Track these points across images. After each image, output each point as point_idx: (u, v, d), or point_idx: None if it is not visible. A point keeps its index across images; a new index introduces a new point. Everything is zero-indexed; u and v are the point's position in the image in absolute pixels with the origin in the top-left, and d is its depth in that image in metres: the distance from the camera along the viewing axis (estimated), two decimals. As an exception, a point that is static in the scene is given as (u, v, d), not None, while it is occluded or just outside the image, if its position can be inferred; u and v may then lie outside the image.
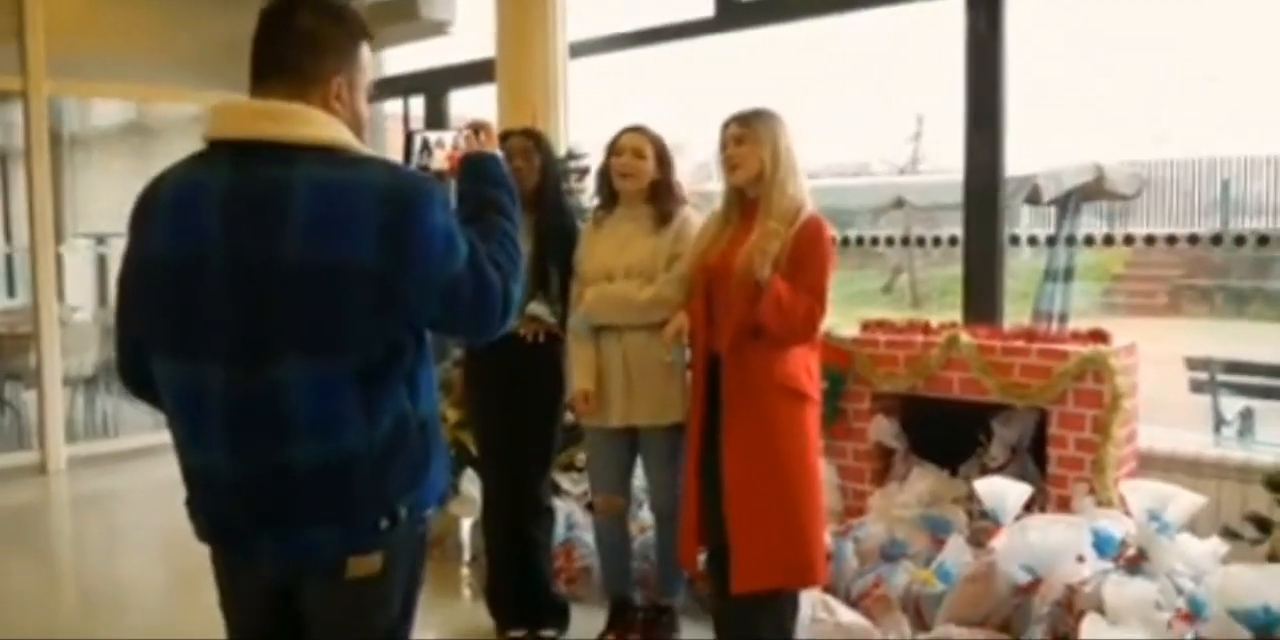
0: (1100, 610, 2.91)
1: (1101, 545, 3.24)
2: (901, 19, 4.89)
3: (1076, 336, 3.83)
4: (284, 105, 1.77)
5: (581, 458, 4.35)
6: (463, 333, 2.01)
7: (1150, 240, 4.18)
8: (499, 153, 2.13)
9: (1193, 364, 5.98)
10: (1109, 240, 4.51)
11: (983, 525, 3.65)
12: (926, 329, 4.14)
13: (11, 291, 10.60)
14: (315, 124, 1.76)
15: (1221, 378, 5.78)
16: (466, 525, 4.66)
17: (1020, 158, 4.66)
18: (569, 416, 3.80)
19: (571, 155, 5.04)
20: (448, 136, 2.20)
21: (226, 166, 1.75)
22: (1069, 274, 6.15)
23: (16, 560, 5.17)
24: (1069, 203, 5.96)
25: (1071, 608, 3.00)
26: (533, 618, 3.73)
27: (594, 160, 4.69)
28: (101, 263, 10.10)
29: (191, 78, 7.30)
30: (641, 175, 3.46)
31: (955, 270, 4.52)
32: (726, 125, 3.11)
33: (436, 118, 6.89)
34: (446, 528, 4.55)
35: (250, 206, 1.71)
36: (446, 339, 3.96)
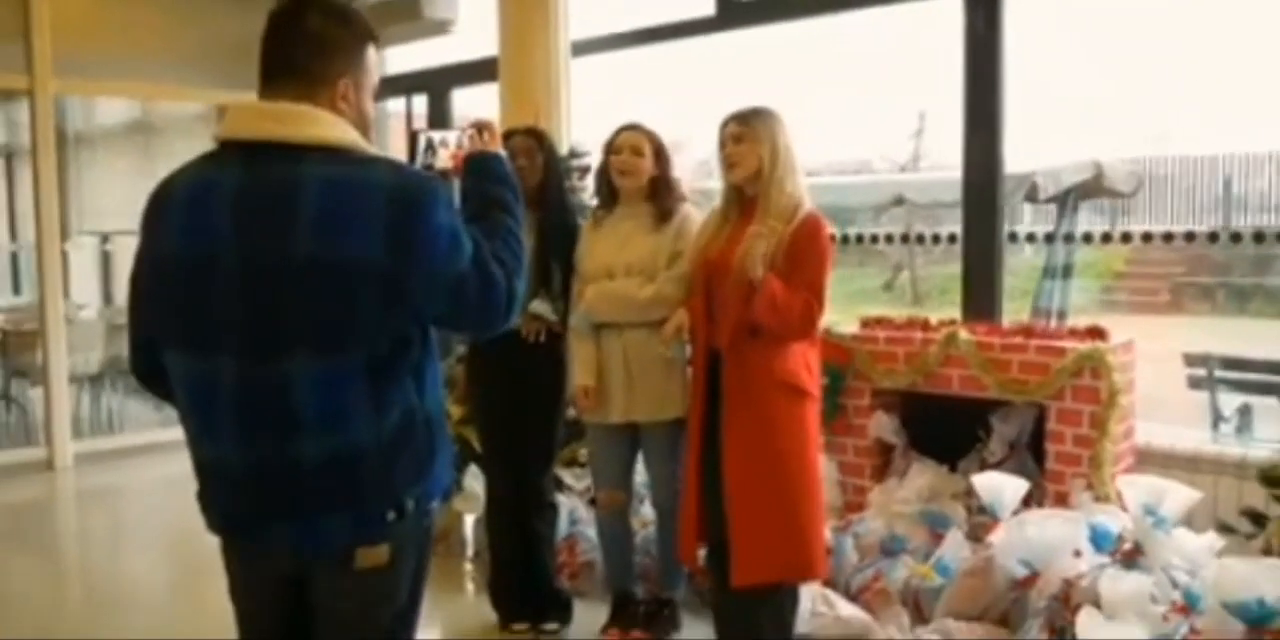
0: (1096, 604, 2.94)
1: (1099, 540, 3.27)
2: (902, 16, 4.92)
3: (1074, 333, 3.86)
4: (292, 107, 1.80)
5: (584, 453, 4.38)
6: (468, 328, 2.04)
7: (1147, 238, 4.22)
8: (502, 152, 2.16)
9: (1190, 360, 5.99)
10: (1107, 238, 4.54)
11: (981, 520, 3.68)
12: (926, 326, 4.17)
13: (17, 289, 10.66)
14: (323, 125, 1.80)
15: (1219, 374, 5.79)
16: (469, 521, 4.70)
17: (1021, 156, 4.69)
18: (571, 412, 3.84)
19: (574, 154, 5.07)
20: (452, 136, 2.23)
21: (237, 166, 1.79)
22: (1068, 271, 6.17)
23: (27, 556, 5.22)
24: (1068, 200, 5.98)
25: (1068, 601, 3.03)
26: (536, 612, 3.77)
27: (596, 159, 4.74)
28: (106, 260, 10.16)
29: (196, 76, 7.34)
30: (640, 173, 3.49)
31: (956, 268, 4.55)
32: (725, 124, 3.14)
33: (439, 116, 6.93)
34: (450, 524, 4.59)
35: (260, 205, 1.75)
36: (450, 336, 3.99)
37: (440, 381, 1.97)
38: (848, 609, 3.50)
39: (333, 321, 1.74)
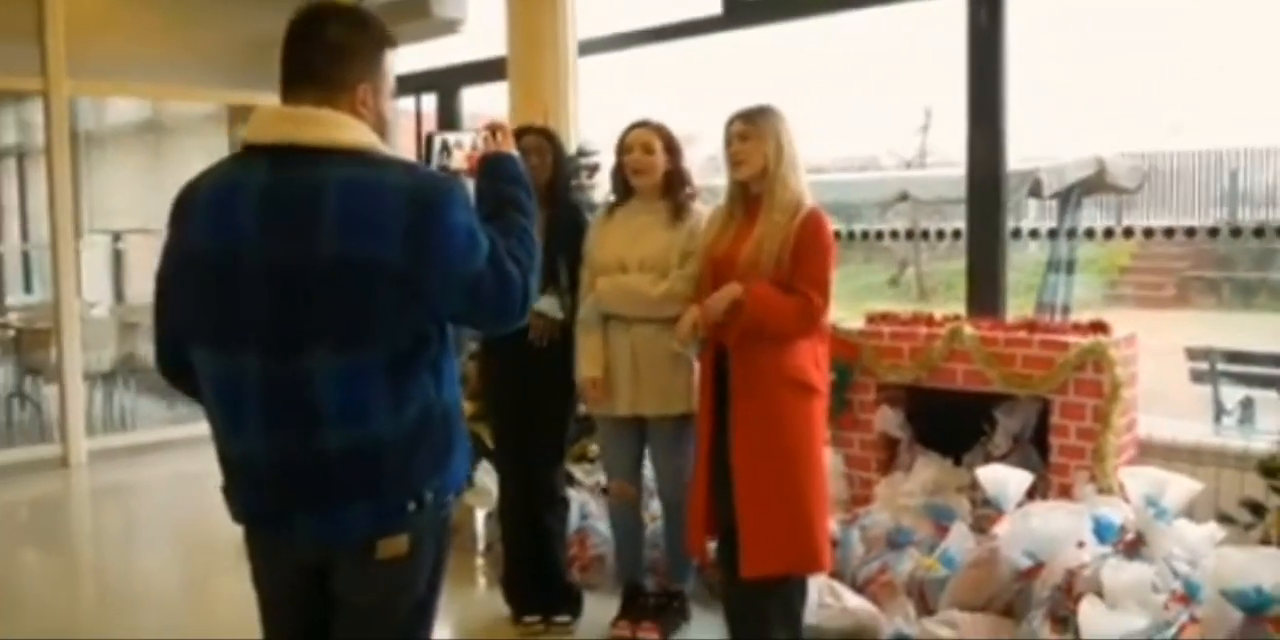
0: (1099, 593, 2.99)
1: (1102, 532, 3.31)
2: (908, 14, 4.95)
3: (1077, 328, 3.92)
4: (314, 111, 1.86)
5: (594, 449, 4.45)
6: (484, 325, 2.10)
7: (1149, 233, 4.27)
8: (516, 152, 2.22)
9: (1193, 354, 6.03)
10: (1109, 233, 4.58)
11: (985, 513, 3.73)
12: (930, 321, 4.21)
13: (29, 288, 10.73)
14: (344, 129, 1.86)
15: (1222, 367, 5.83)
16: (481, 516, 4.76)
17: (1026, 151, 4.72)
18: (581, 409, 3.90)
19: (582, 152, 5.12)
20: (466, 137, 2.29)
21: (262, 168, 1.84)
22: (1071, 266, 6.21)
23: (46, 552, 5.29)
24: (1071, 196, 6.02)
25: (1071, 591, 3.07)
26: (547, 605, 3.82)
27: (604, 157, 4.78)
28: (117, 259, 10.21)
29: (207, 77, 7.42)
30: (654, 170, 3.54)
31: (961, 264, 4.59)
32: (731, 122, 3.19)
33: (448, 115, 6.98)
34: (462, 518, 4.64)
35: (284, 206, 1.81)
36: (462, 334, 4.05)
37: (457, 377, 2.02)
38: (854, 600, 3.55)
39: (354, 319, 1.80)
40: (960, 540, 3.59)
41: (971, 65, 4.35)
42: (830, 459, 3.94)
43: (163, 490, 6.48)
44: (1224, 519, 3.25)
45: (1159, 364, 4.61)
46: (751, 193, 3.18)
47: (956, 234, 4.75)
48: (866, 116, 14.61)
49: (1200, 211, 11.93)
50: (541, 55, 5.67)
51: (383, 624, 1.98)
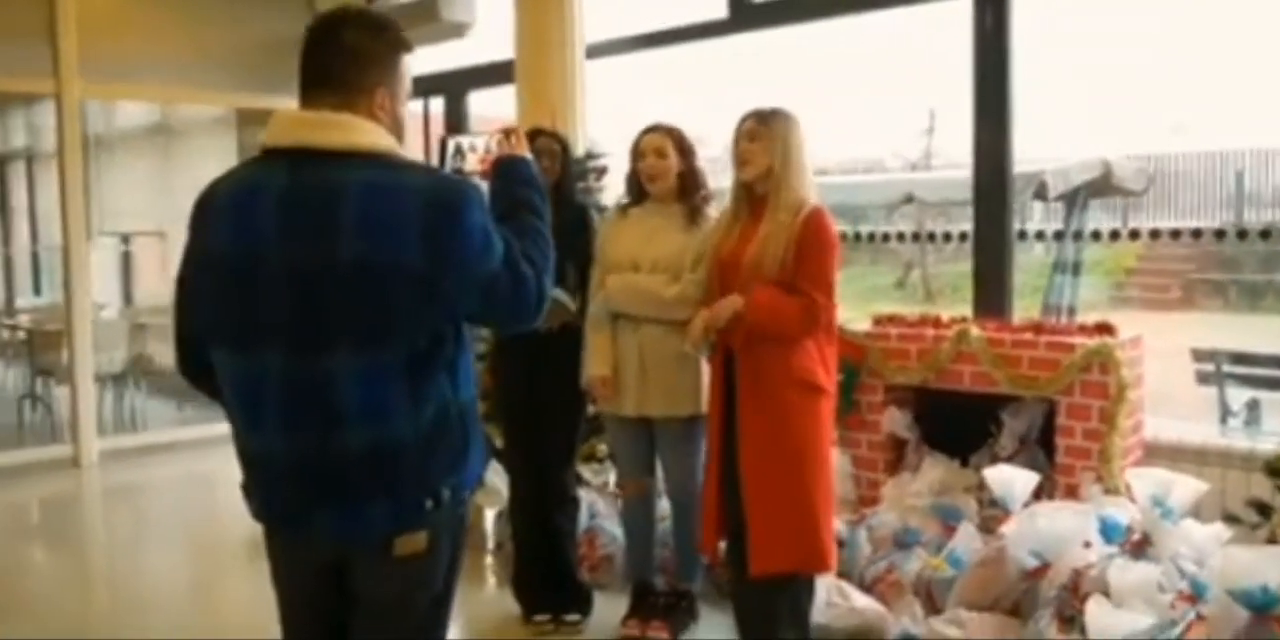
0: (1105, 593, 3.01)
1: (1109, 532, 3.34)
2: (911, 16, 4.97)
3: (1084, 329, 3.94)
4: (333, 115, 1.89)
5: (602, 449, 4.48)
6: (499, 324, 2.13)
7: (1155, 235, 4.27)
8: (529, 155, 2.25)
9: (1199, 356, 6.04)
10: (1115, 235, 4.61)
11: (992, 513, 3.75)
12: (937, 323, 4.23)
13: (38, 289, 10.78)
14: (362, 132, 1.89)
15: (1228, 369, 5.84)
16: (491, 515, 4.79)
17: (1031, 153, 4.74)
18: (590, 409, 3.92)
19: (590, 155, 5.15)
20: (479, 141, 2.32)
21: (281, 171, 1.87)
22: (1077, 268, 6.23)
23: (59, 551, 5.34)
24: (1077, 198, 6.04)
25: (1078, 591, 3.09)
26: (558, 603, 3.85)
27: (612, 160, 4.82)
28: (126, 261, 10.26)
29: (218, 80, 7.47)
30: (668, 174, 3.57)
31: (967, 265, 4.61)
32: (744, 120, 3.20)
33: (456, 118, 7.01)
34: (472, 518, 4.68)
35: (304, 209, 1.84)
36: (472, 333, 4.08)
37: (473, 377, 2.05)
38: (862, 600, 3.58)
39: (373, 320, 1.83)
40: (967, 540, 3.61)
41: (977, 67, 4.37)
42: (838, 459, 3.97)
43: (173, 491, 6.54)
44: (1230, 519, 3.27)
45: (1165, 366, 4.63)
46: (756, 193, 3.20)
47: (963, 236, 4.77)
48: (871, 119, 14.61)
49: (1206, 213, 11.92)
50: (549, 58, 5.70)
51: (401, 620, 2.01)
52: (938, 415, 4.23)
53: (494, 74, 6.56)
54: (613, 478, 4.46)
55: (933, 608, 3.53)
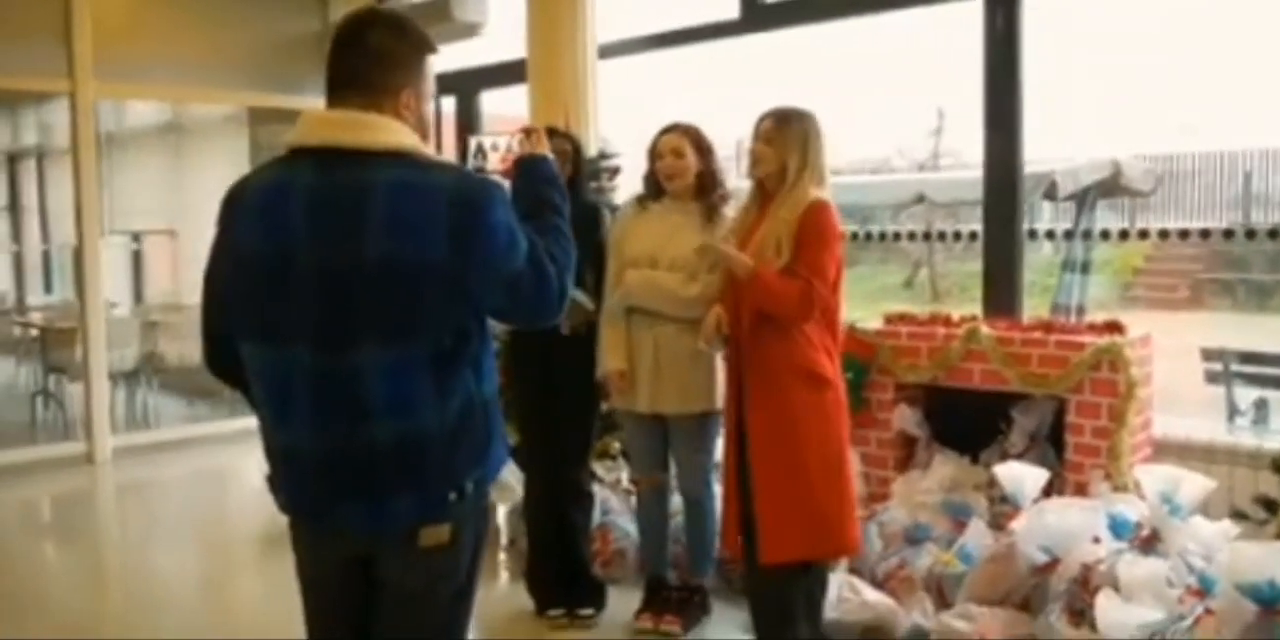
0: (1115, 587, 3.05)
1: (1118, 529, 3.37)
2: (919, 16, 5.00)
3: (1093, 328, 3.97)
4: (361, 115, 1.93)
5: (615, 446, 4.52)
6: (522, 320, 2.16)
7: (1164, 235, 4.31)
8: (550, 154, 2.29)
9: (1208, 355, 6.06)
10: (1124, 234, 4.63)
11: (1002, 509, 3.78)
12: (948, 321, 4.26)
13: (49, 287, 10.84)
14: (389, 132, 1.93)
15: (1236, 368, 5.87)
16: (503, 511, 4.83)
17: (1040, 153, 4.76)
18: (603, 406, 3.96)
19: (603, 155, 5.18)
20: (501, 140, 2.37)
21: (309, 170, 1.92)
22: (1086, 267, 6.26)
23: (76, 547, 5.38)
24: (1086, 198, 6.06)
25: (1087, 585, 3.13)
26: (572, 598, 3.90)
27: (625, 159, 4.86)
28: (137, 259, 10.31)
29: (231, 79, 7.52)
30: (686, 173, 3.60)
31: (975, 265, 4.64)
32: (761, 120, 3.24)
33: (468, 118, 7.05)
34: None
35: (332, 207, 1.88)
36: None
37: (495, 370, 2.09)
38: (873, 594, 3.61)
39: (401, 316, 1.87)
40: (977, 536, 3.65)
41: (988, 68, 4.40)
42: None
43: (185, 487, 6.60)
44: (1238, 515, 3.30)
45: (1173, 365, 4.65)
46: (768, 189, 3.24)
47: (972, 235, 4.80)
48: (879, 119, 14.63)
49: (1214, 213, 11.93)
50: (561, 58, 5.73)
51: (425, 610, 2.05)
52: (948, 413, 4.26)
53: (506, 73, 6.59)
54: (625, 474, 4.50)
55: (943, 602, 3.56)
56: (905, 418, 4.26)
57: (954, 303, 11.55)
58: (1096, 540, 3.30)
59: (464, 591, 2.09)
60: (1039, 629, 3.23)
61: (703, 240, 3.37)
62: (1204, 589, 2.96)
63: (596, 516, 4.22)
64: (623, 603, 3.94)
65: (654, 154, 3.64)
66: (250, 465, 6.66)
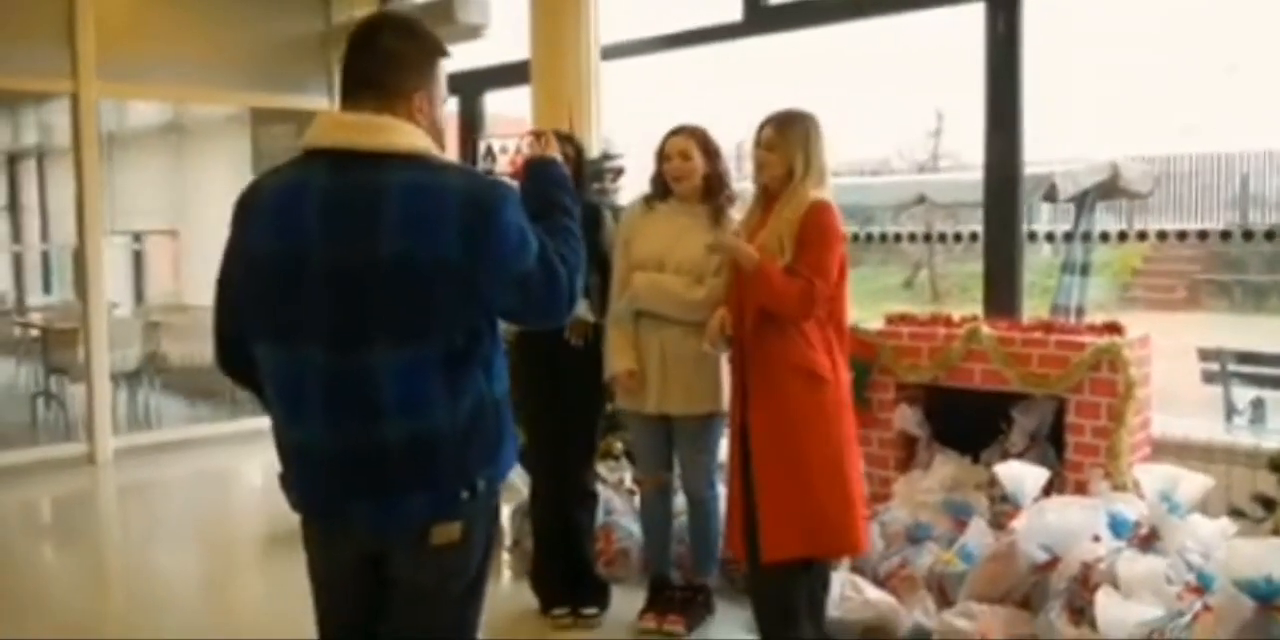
0: (1114, 585, 3.08)
1: (1117, 527, 3.40)
2: (919, 18, 5.03)
3: (1092, 328, 4.01)
4: (375, 118, 1.96)
5: (618, 446, 4.55)
6: (532, 320, 2.20)
7: (1162, 236, 4.34)
8: (559, 157, 2.33)
9: (1205, 355, 6.10)
10: (1123, 236, 4.66)
11: (1003, 508, 3.81)
12: (948, 322, 4.30)
13: (48, 288, 10.84)
14: (402, 134, 1.96)
15: (1233, 368, 5.91)
16: (507, 512, 4.85)
17: (1038, 155, 4.78)
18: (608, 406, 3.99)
19: (607, 156, 5.20)
20: (511, 143, 2.40)
21: (322, 171, 1.94)
22: (1085, 269, 6.29)
23: (81, 548, 5.40)
24: (1085, 200, 6.10)
25: (1087, 583, 3.16)
26: (576, 597, 3.92)
27: (628, 161, 4.88)
28: (138, 259, 10.32)
29: (233, 80, 7.54)
30: (693, 175, 3.63)
31: (974, 266, 4.67)
32: (762, 126, 3.27)
33: (471, 119, 7.07)
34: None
35: (346, 209, 1.91)
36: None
37: (506, 370, 2.11)
38: (875, 593, 3.64)
39: (413, 316, 1.90)
40: (978, 535, 3.67)
41: (989, 70, 4.43)
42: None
43: (187, 488, 6.62)
44: (1236, 513, 3.34)
45: (1171, 365, 4.68)
46: (772, 192, 3.27)
47: (973, 236, 4.83)
48: (878, 120, 14.64)
49: (1212, 215, 11.97)
50: (564, 59, 5.73)
51: (437, 607, 2.07)
52: (949, 413, 4.30)
53: (509, 74, 6.61)
54: (628, 475, 4.53)
55: (945, 601, 3.59)
56: (906, 418, 4.29)
57: (953, 303, 11.59)
58: (1096, 539, 3.33)
59: (475, 589, 2.11)
60: (1040, 627, 3.26)
61: (713, 237, 3.38)
62: (1202, 586, 2.99)
63: (600, 517, 4.25)
64: (627, 602, 3.96)
65: (661, 156, 3.67)
66: (252, 466, 6.70)
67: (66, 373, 7.80)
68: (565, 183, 2.26)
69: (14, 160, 11.78)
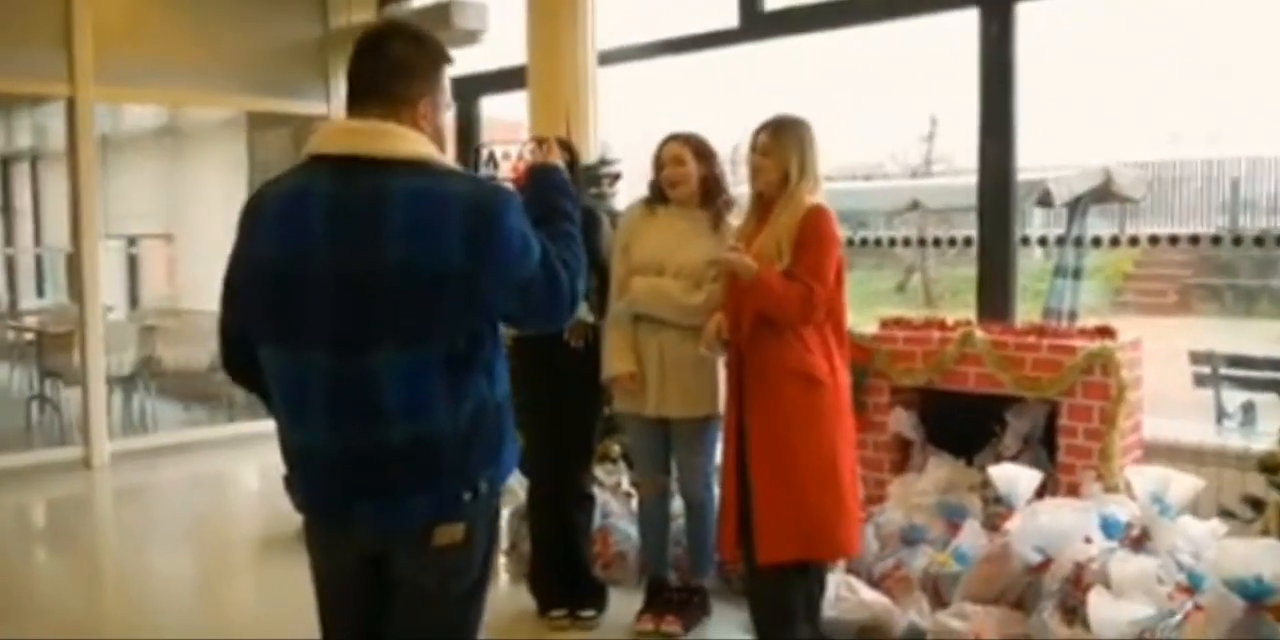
0: (1106, 585, 3.11)
1: (1109, 528, 3.44)
2: (916, 25, 5.07)
3: (1084, 332, 4.05)
4: (380, 124, 1.99)
5: (615, 449, 4.57)
6: (533, 325, 2.22)
7: (1154, 240, 4.38)
8: (561, 163, 2.36)
9: (1196, 358, 6.15)
10: (1115, 241, 4.70)
11: (996, 510, 3.84)
12: (943, 326, 4.33)
13: (41, 291, 10.83)
14: (407, 141, 1.99)
15: (1224, 372, 5.95)
16: (505, 514, 4.88)
17: (1030, 160, 4.83)
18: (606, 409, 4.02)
19: (603, 161, 5.23)
20: (513, 149, 2.43)
21: (328, 177, 1.97)
22: (1078, 273, 6.33)
23: (76, 551, 5.41)
24: (1078, 205, 6.14)
25: (1079, 584, 3.19)
26: (574, 599, 3.94)
27: (625, 166, 4.92)
28: (133, 263, 10.32)
29: (229, 83, 7.55)
30: (689, 180, 3.67)
31: (967, 270, 4.72)
32: (757, 133, 3.31)
33: (468, 124, 7.09)
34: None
35: (351, 213, 1.93)
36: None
37: (507, 375, 2.14)
38: (870, 594, 3.66)
39: (417, 320, 1.92)
40: (972, 537, 3.71)
41: (983, 76, 4.47)
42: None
43: (183, 491, 6.62)
44: (1226, 514, 3.38)
45: (1162, 369, 4.72)
46: (767, 198, 3.31)
47: (966, 241, 4.87)
48: (872, 124, 14.69)
49: (1203, 220, 12.05)
50: (561, 64, 5.77)
51: (439, 608, 2.08)
52: (943, 416, 4.33)
53: (507, 79, 6.63)
54: (625, 477, 4.55)
55: (939, 602, 3.62)
56: (901, 421, 4.32)
57: (946, 307, 11.64)
58: (1088, 540, 3.37)
59: (477, 590, 2.13)
60: (1033, 627, 3.29)
61: (713, 255, 3.40)
62: (1193, 586, 3.03)
63: (597, 519, 4.27)
64: (624, 604, 3.98)
65: (658, 163, 3.71)
66: (248, 470, 6.71)
67: (61, 377, 7.79)
68: (567, 188, 2.29)
69: (8, 163, 11.78)
